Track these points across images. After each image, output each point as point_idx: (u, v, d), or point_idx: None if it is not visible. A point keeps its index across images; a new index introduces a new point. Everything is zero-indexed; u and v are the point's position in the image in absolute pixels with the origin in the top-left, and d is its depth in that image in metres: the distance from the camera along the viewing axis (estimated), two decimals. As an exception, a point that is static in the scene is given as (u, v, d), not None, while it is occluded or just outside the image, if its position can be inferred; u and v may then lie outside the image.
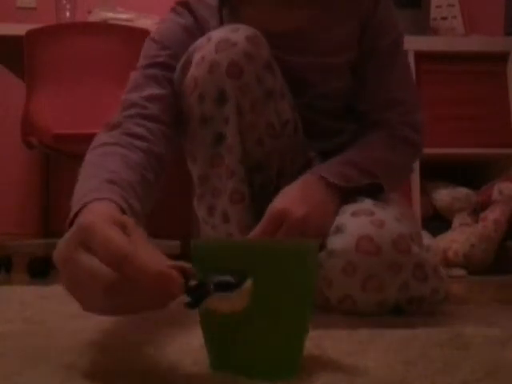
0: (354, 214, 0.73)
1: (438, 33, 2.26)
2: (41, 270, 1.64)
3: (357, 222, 0.72)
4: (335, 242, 0.71)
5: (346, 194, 0.79)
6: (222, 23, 0.87)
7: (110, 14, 2.09)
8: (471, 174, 2.14)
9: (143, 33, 1.76)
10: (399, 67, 0.92)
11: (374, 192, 0.81)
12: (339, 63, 0.90)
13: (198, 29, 0.87)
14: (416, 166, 1.91)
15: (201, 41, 0.80)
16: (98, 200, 0.53)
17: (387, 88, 0.91)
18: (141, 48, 0.87)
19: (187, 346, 0.51)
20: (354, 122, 0.93)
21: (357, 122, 0.93)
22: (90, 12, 2.15)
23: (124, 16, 2.10)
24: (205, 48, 0.78)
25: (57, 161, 2.32)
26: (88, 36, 1.78)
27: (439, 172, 2.05)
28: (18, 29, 1.84)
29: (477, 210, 1.94)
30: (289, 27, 0.87)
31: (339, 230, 0.72)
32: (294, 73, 0.87)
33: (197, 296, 0.39)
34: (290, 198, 0.75)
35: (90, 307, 0.42)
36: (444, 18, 2.31)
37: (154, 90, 0.80)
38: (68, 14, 2.10)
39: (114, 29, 1.81)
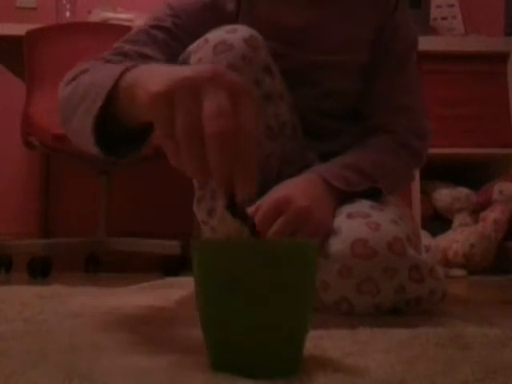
0: (349, 216, 0.73)
1: (438, 33, 2.26)
2: (41, 269, 1.64)
3: (352, 225, 0.71)
4: (330, 245, 0.71)
5: (344, 196, 0.79)
6: (239, 8, 0.87)
7: (109, 14, 2.09)
8: (471, 174, 2.14)
9: (143, 33, 1.76)
10: (410, 74, 0.92)
11: (373, 195, 0.81)
12: (348, 63, 0.90)
13: (213, 9, 0.87)
14: (416, 166, 1.91)
15: (198, 42, 0.80)
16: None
17: (396, 93, 0.90)
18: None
19: (187, 346, 0.51)
20: (358, 125, 0.93)
21: (361, 124, 0.93)
22: (89, 12, 2.16)
23: (124, 16, 2.10)
24: (202, 50, 0.78)
25: (57, 161, 2.32)
26: (88, 36, 1.78)
27: (439, 172, 2.05)
28: (18, 29, 1.85)
29: (477, 210, 1.94)
30: (301, 23, 0.87)
31: (335, 232, 0.72)
32: (300, 69, 0.87)
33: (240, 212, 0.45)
34: (295, 188, 0.74)
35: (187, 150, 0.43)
36: (444, 18, 2.31)
37: (151, 52, 0.80)
38: (68, 13, 2.10)
39: (114, 29, 1.81)
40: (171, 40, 0.82)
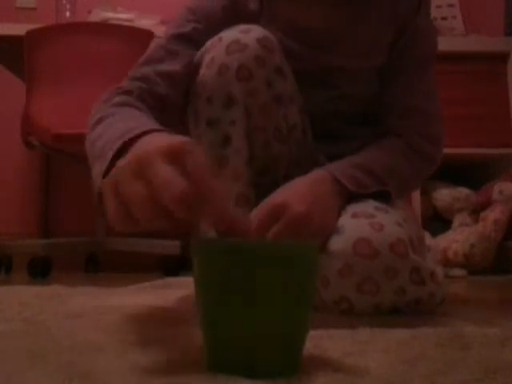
0: (353, 216, 0.73)
1: (438, 33, 2.26)
2: (41, 269, 1.64)
3: (356, 224, 0.71)
4: (333, 243, 0.71)
5: (352, 196, 0.78)
6: (261, 8, 0.87)
7: (109, 14, 2.10)
8: (471, 174, 2.14)
9: (143, 33, 1.76)
10: (428, 79, 0.92)
11: (381, 197, 0.80)
12: (366, 67, 0.89)
13: (233, 9, 0.86)
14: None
15: (212, 41, 0.80)
16: (157, 131, 0.53)
17: (412, 96, 0.90)
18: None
19: (187, 346, 0.51)
20: (370, 130, 0.92)
21: (373, 130, 0.92)
22: (90, 12, 2.16)
23: (124, 16, 2.10)
24: (215, 49, 0.78)
25: (57, 161, 2.32)
26: (88, 36, 1.78)
27: (439, 172, 2.04)
28: (18, 29, 1.85)
29: (477, 210, 1.94)
30: (320, 24, 0.87)
31: (338, 231, 0.72)
32: (315, 71, 0.87)
33: None
34: (293, 192, 0.74)
35: (147, 222, 0.41)
36: (444, 18, 2.31)
37: (166, 67, 0.81)
38: (68, 13, 2.10)
39: (114, 29, 1.81)
40: (193, 46, 0.82)
